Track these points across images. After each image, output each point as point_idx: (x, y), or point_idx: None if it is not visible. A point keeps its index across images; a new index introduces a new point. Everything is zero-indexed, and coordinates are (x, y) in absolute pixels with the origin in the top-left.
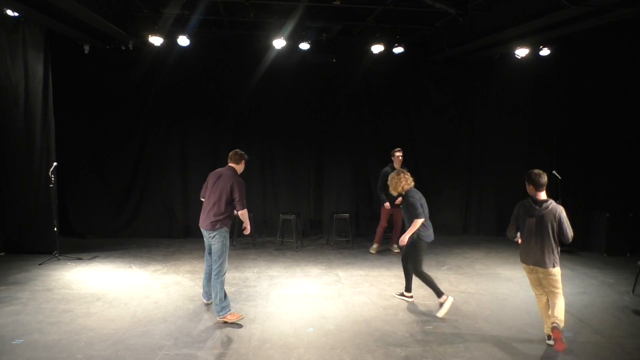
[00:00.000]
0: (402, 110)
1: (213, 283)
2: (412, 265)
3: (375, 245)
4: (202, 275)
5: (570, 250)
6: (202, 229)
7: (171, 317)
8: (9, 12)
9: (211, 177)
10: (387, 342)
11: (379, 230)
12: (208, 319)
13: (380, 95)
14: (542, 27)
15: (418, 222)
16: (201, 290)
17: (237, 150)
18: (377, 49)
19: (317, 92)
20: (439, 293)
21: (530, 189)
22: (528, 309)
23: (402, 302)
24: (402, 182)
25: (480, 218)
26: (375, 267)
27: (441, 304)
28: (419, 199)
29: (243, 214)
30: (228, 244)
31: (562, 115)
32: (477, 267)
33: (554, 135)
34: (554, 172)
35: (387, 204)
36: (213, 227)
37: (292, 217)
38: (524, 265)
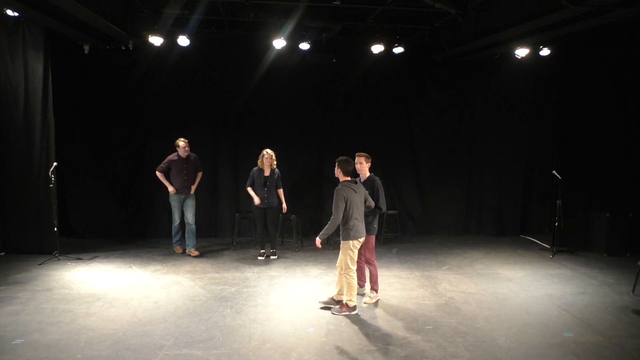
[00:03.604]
0: (402, 110)
1: (191, 228)
2: (275, 224)
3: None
4: (202, 275)
5: (570, 250)
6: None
7: (171, 317)
8: (9, 12)
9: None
10: (387, 342)
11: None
12: (208, 319)
13: (380, 95)
14: (542, 27)
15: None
16: (201, 290)
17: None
18: (377, 49)
19: (317, 92)
20: (262, 247)
21: (343, 173)
22: (528, 309)
23: (402, 303)
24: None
25: (480, 218)
26: None
27: (262, 254)
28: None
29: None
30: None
31: (562, 115)
32: (477, 267)
33: (554, 135)
34: (554, 172)
35: None
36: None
37: (292, 217)
38: (360, 240)
